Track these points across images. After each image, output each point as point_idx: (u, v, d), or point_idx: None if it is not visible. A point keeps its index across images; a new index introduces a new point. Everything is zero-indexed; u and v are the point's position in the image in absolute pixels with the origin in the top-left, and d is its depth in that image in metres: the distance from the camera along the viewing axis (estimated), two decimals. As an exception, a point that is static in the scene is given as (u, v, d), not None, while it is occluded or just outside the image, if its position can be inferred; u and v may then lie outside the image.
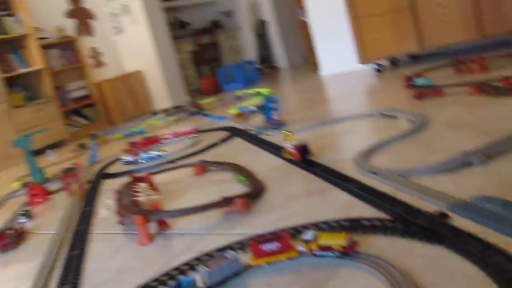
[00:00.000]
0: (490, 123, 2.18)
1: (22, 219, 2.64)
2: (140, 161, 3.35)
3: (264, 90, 5.10)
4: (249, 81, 6.28)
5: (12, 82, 5.49)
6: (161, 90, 6.60)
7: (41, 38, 5.77)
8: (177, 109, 5.71)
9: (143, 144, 3.86)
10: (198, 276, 1.33)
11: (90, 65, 6.34)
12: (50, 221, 2.55)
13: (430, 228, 1.33)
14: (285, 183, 2.11)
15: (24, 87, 5.70)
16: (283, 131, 2.51)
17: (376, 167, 1.94)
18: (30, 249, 2.22)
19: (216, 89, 6.67)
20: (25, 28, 5.57)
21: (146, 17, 6.36)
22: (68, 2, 6.36)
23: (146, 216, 1.86)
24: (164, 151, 3.39)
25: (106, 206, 2.44)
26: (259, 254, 1.35)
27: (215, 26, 7.83)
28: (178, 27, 7.57)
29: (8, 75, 5.38)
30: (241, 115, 4.12)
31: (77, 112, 6.19)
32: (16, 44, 5.62)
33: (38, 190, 3.07)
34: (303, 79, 5.77)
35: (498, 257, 1.10)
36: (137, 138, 4.32)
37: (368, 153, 2.17)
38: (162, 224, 1.95)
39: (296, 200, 1.87)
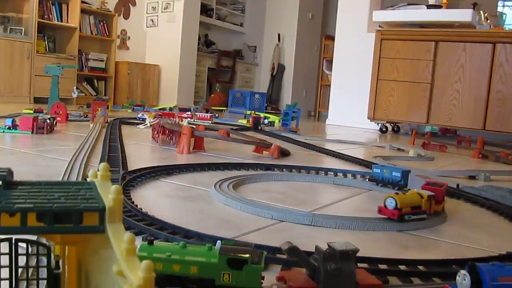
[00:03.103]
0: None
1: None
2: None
3: (272, 117, 5.39)
4: (255, 110, 6.57)
5: (42, 30, 5.70)
6: (171, 90, 6.84)
7: (84, 2, 6.04)
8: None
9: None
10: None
11: (115, 44, 6.58)
12: (74, 134, 2.72)
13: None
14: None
15: (51, 38, 5.90)
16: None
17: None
18: (64, 137, 2.38)
19: (222, 106, 6.94)
20: (75, -13, 5.85)
21: (183, 19, 6.70)
22: (118, -18, 6.69)
23: (192, 130, 2.07)
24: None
25: (143, 125, 2.63)
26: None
27: (237, 54, 8.21)
28: (204, 43, 7.93)
29: (43, 21, 5.58)
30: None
31: (88, 81, 6.36)
32: (60, -2, 5.88)
33: (61, 109, 3.22)
34: (307, 122, 6.10)
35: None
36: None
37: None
38: (199, 146, 2.16)
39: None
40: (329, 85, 6.08)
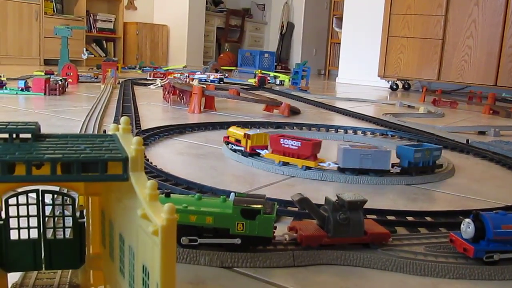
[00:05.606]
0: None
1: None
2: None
3: (282, 76, 5.36)
4: (265, 69, 6.54)
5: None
6: (180, 50, 6.81)
7: (89, -39, 5.95)
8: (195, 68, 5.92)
9: (168, 75, 4.05)
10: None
11: (123, 4, 6.52)
12: (86, 95, 2.74)
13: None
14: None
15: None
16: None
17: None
18: (76, 98, 2.41)
19: (232, 66, 6.92)
20: None
21: (190, -23, 6.59)
22: None
23: (203, 90, 2.09)
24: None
25: (154, 85, 2.65)
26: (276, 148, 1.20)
27: (245, 13, 8.12)
28: (212, 2, 7.83)
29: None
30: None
31: (97, 42, 6.34)
32: (66, -42, 5.80)
33: (72, 70, 3.24)
34: (317, 81, 6.07)
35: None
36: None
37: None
38: (210, 106, 2.18)
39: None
40: (339, 43, 6.01)
